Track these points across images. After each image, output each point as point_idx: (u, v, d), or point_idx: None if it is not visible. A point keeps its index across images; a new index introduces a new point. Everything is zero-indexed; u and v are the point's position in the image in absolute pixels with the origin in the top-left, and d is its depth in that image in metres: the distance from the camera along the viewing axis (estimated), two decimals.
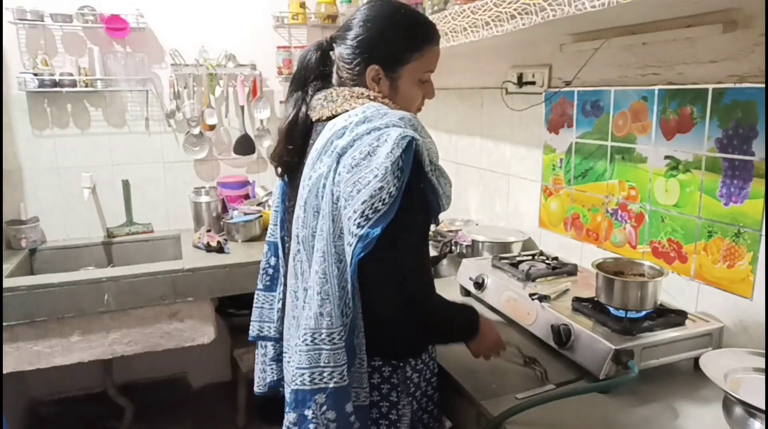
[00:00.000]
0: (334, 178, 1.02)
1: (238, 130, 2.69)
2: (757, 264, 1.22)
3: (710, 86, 1.28)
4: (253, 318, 1.37)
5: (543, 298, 1.37)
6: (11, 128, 2.37)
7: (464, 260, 1.72)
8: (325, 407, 1.04)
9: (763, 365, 1.07)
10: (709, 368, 1.04)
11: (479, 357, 1.23)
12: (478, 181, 2.26)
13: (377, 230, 0.97)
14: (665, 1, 1.12)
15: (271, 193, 2.64)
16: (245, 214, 2.47)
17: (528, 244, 1.92)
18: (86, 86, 2.37)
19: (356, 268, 0.99)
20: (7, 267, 2.13)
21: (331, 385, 1.03)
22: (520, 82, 1.91)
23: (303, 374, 1.04)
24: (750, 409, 0.95)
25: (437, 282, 1.85)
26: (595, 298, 1.31)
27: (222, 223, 2.48)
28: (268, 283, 1.36)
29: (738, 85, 1.22)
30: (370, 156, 0.99)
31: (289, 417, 1.09)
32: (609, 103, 1.57)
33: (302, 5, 2.59)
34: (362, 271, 1.00)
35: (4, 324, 1.90)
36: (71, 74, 2.35)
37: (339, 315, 1.02)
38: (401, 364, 1.15)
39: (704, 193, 1.32)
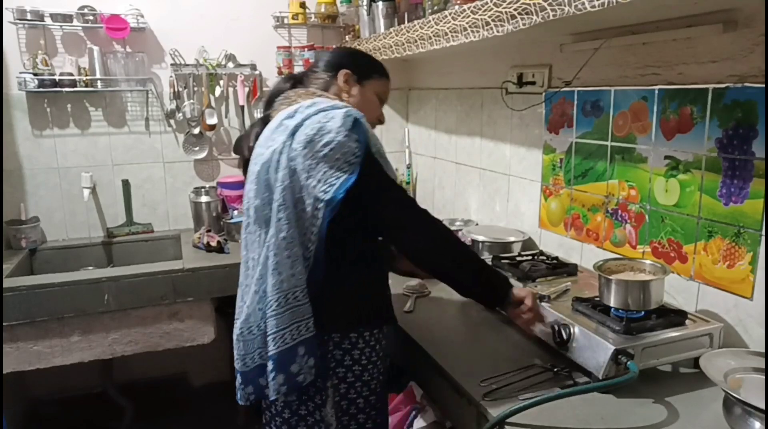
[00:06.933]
0: (289, 153, 1.15)
1: (238, 130, 2.69)
2: (757, 264, 1.22)
3: (710, 86, 1.28)
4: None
5: (543, 298, 1.37)
6: (11, 128, 2.37)
7: None
8: (306, 356, 1.17)
9: (763, 365, 1.07)
10: (709, 368, 1.04)
11: (526, 326, 1.33)
12: (478, 181, 2.26)
13: (341, 193, 1.13)
14: (665, 1, 1.12)
15: None
16: None
17: (528, 244, 1.92)
18: (86, 86, 2.37)
19: (327, 227, 1.15)
20: (7, 267, 2.13)
21: (307, 336, 1.17)
22: (520, 82, 1.91)
23: (284, 334, 1.15)
24: (750, 409, 0.95)
25: (437, 282, 1.85)
26: (596, 299, 1.31)
27: (222, 223, 2.48)
28: None
29: (738, 85, 1.22)
30: (321, 131, 1.14)
31: (278, 380, 1.17)
32: (609, 103, 1.57)
33: (302, 5, 2.59)
34: (365, 234, 1.25)
35: (4, 324, 1.90)
36: (71, 74, 2.35)
37: (304, 273, 1.17)
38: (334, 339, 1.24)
39: (704, 193, 1.32)
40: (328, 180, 1.12)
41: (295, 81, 1.38)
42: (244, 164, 1.37)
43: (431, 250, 1.24)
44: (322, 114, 1.17)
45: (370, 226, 1.25)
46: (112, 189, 2.56)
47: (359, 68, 1.36)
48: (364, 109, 1.26)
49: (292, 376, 1.16)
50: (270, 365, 1.18)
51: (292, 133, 1.16)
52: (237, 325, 1.26)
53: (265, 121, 1.34)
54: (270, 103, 1.37)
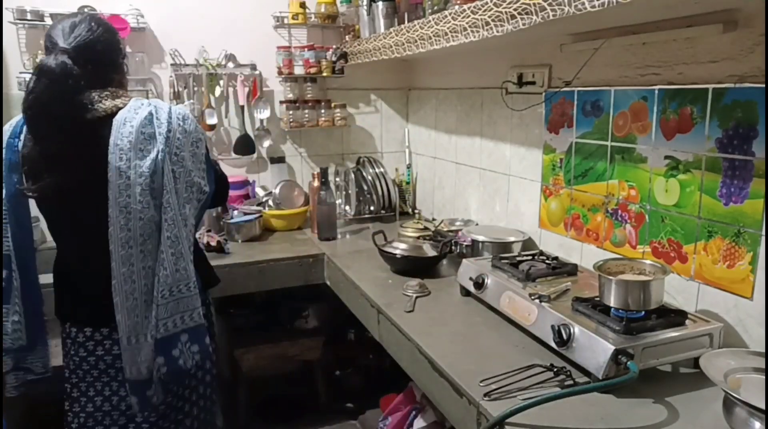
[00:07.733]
0: (170, 158, 1.27)
1: (238, 130, 2.69)
2: (757, 264, 1.22)
3: (710, 86, 1.28)
4: None
5: (543, 298, 1.37)
6: None
7: (464, 260, 1.72)
8: (189, 343, 1.33)
9: (763, 365, 1.07)
10: (709, 368, 1.04)
11: None
12: (478, 181, 2.26)
13: (213, 183, 1.43)
14: (665, 1, 1.12)
15: (271, 192, 2.64)
16: (245, 214, 2.47)
17: (528, 244, 1.92)
18: None
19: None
20: None
21: (191, 325, 1.33)
22: (520, 82, 1.91)
23: (166, 322, 1.29)
24: (750, 409, 0.95)
25: (436, 282, 1.86)
26: (596, 299, 1.31)
27: (222, 223, 2.48)
28: None
29: (738, 85, 1.22)
30: (186, 131, 1.31)
31: (158, 361, 1.30)
32: (609, 103, 1.57)
33: (302, 5, 2.59)
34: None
35: None
36: None
37: (192, 269, 1.33)
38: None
39: (704, 193, 1.32)
40: (202, 174, 1.35)
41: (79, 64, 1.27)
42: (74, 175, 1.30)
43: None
44: (174, 114, 1.30)
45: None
46: None
47: (122, 52, 1.42)
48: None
49: (171, 358, 1.30)
50: (156, 348, 1.31)
51: (166, 139, 1.27)
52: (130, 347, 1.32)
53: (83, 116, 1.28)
54: (70, 73, 1.24)
